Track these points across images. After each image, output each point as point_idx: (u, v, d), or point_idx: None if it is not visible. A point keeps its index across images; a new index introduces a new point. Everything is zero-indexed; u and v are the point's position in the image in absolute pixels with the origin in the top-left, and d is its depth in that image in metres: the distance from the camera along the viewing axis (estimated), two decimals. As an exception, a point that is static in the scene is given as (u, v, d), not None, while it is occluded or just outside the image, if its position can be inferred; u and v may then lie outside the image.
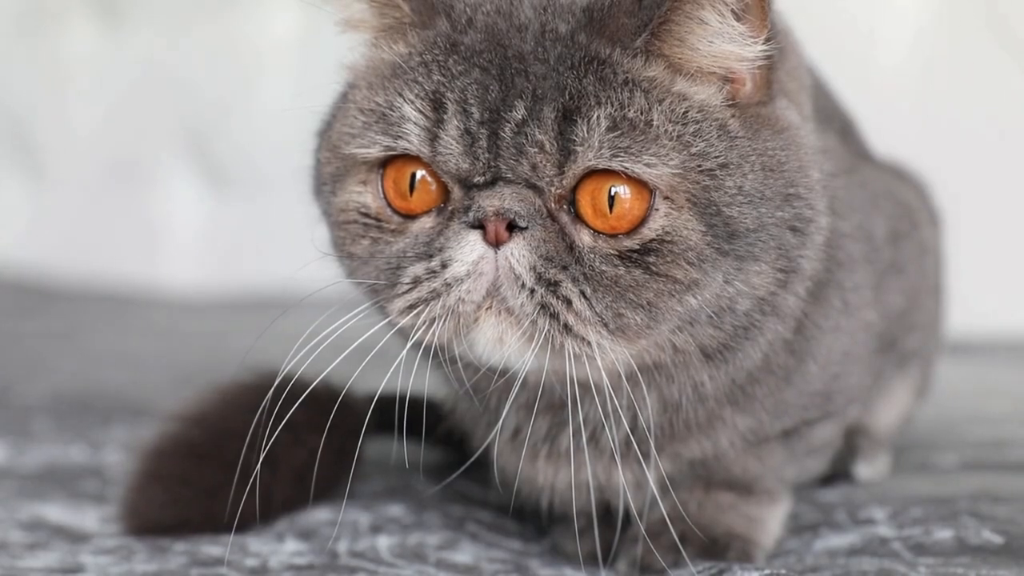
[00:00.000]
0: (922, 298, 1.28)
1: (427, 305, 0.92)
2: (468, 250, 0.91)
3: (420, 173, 0.94)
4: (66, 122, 3.06)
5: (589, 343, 0.91)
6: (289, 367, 0.99)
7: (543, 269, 0.90)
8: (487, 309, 0.92)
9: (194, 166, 2.96)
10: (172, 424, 1.19)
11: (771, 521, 1.13)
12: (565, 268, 0.91)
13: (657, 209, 0.91)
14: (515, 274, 0.91)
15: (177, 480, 1.15)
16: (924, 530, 1.10)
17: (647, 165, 0.90)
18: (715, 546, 1.08)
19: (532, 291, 0.90)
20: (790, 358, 1.04)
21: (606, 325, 0.91)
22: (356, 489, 1.23)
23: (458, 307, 0.92)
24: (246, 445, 1.05)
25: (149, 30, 2.96)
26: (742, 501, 1.12)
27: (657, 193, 0.91)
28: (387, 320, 0.97)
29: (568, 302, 0.90)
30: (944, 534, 1.09)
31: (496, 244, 0.91)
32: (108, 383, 1.82)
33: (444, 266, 0.92)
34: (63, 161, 3.08)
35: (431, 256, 0.93)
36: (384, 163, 0.96)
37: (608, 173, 0.90)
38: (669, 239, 0.91)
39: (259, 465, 1.03)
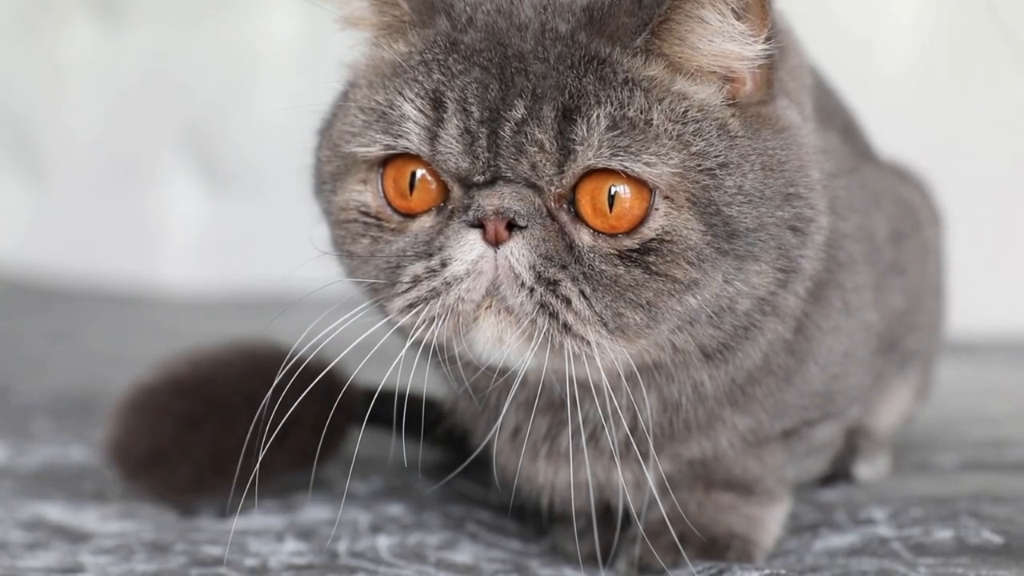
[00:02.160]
0: (924, 298, 1.28)
1: (427, 304, 0.92)
2: (468, 249, 0.91)
3: (420, 172, 0.94)
4: (66, 122, 3.06)
5: (588, 342, 0.91)
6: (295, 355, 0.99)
7: (542, 268, 0.90)
8: (486, 308, 0.92)
9: (194, 166, 2.96)
10: (165, 364, 1.23)
11: (771, 521, 1.13)
12: (565, 267, 0.91)
13: (657, 208, 0.91)
14: (514, 273, 0.90)
15: (157, 409, 1.19)
16: (924, 530, 1.10)
17: (647, 164, 0.90)
18: (715, 546, 1.08)
19: (531, 290, 0.90)
20: (790, 358, 1.04)
21: (605, 325, 0.91)
22: (356, 489, 1.23)
23: (457, 306, 0.91)
24: (247, 418, 1.05)
25: (149, 30, 2.96)
26: (742, 501, 1.12)
27: (657, 192, 0.91)
28: (387, 319, 0.96)
29: (567, 301, 0.90)
30: (944, 534, 1.09)
31: (496, 243, 0.91)
32: (108, 383, 1.81)
33: (444, 265, 0.92)
34: (63, 161, 3.08)
35: (431, 255, 0.93)
36: (384, 162, 0.96)
37: (608, 172, 0.90)
38: (669, 239, 0.91)
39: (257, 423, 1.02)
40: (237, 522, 1.15)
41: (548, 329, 0.91)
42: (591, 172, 0.91)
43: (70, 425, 1.54)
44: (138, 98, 2.95)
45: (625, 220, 0.91)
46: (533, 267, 0.90)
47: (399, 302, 0.94)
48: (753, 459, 1.10)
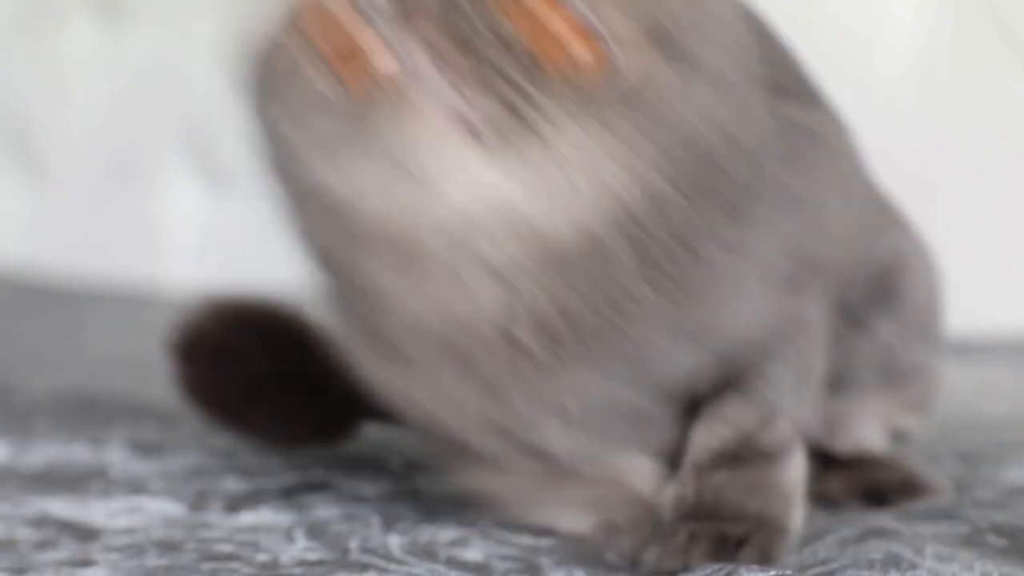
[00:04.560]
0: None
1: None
2: None
3: None
4: (66, 122, 3.06)
5: None
6: None
7: None
8: None
9: (194, 166, 2.96)
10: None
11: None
12: None
13: None
14: None
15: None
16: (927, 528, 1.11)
17: None
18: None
19: None
20: None
21: None
22: (365, 488, 1.23)
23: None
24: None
25: (149, 30, 2.96)
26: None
27: None
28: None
29: None
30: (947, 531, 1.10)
31: None
32: (108, 383, 1.82)
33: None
34: (63, 161, 3.08)
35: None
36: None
37: None
38: None
39: None
40: (248, 519, 1.15)
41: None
42: None
43: (72, 425, 1.55)
44: (138, 97, 2.95)
45: None
46: None
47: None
48: None
